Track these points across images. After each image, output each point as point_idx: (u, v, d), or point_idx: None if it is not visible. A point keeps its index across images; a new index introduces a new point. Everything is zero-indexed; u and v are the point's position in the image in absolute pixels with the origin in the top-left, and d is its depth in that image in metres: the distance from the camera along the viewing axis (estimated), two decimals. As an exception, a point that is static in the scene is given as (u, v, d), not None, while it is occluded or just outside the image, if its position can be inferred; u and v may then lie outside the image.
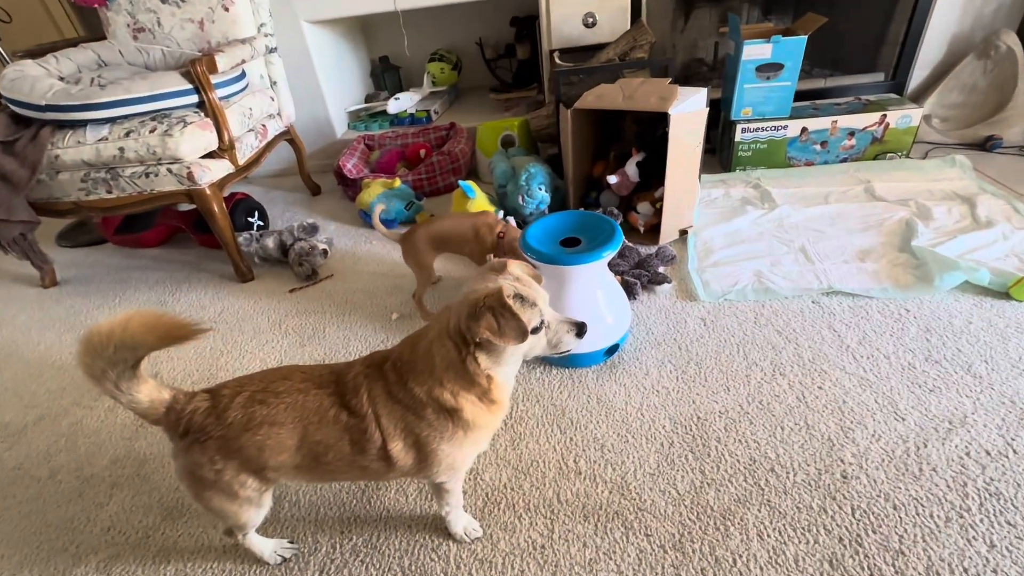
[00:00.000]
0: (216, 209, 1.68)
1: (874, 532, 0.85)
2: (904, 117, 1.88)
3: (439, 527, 0.95)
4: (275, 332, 1.55)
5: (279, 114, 2.14)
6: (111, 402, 1.37)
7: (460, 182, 1.76)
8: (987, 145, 1.95)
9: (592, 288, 1.18)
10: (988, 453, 0.94)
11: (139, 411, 0.75)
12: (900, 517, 0.87)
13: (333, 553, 0.94)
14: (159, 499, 1.09)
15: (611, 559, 0.87)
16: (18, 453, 1.25)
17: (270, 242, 1.83)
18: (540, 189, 1.80)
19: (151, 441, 1.23)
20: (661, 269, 1.51)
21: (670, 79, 1.64)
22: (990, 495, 0.88)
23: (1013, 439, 0.95)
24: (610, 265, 1.51)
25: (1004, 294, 1.26)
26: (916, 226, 1.51)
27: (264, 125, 2.00)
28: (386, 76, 3.00)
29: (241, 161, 1.81)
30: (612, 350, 1.25)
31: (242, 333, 1.56)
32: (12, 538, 1.05)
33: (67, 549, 1.01)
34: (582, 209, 1.62)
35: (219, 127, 1.66)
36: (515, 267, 0.79)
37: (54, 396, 1.42)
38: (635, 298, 1.43)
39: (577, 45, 2.14)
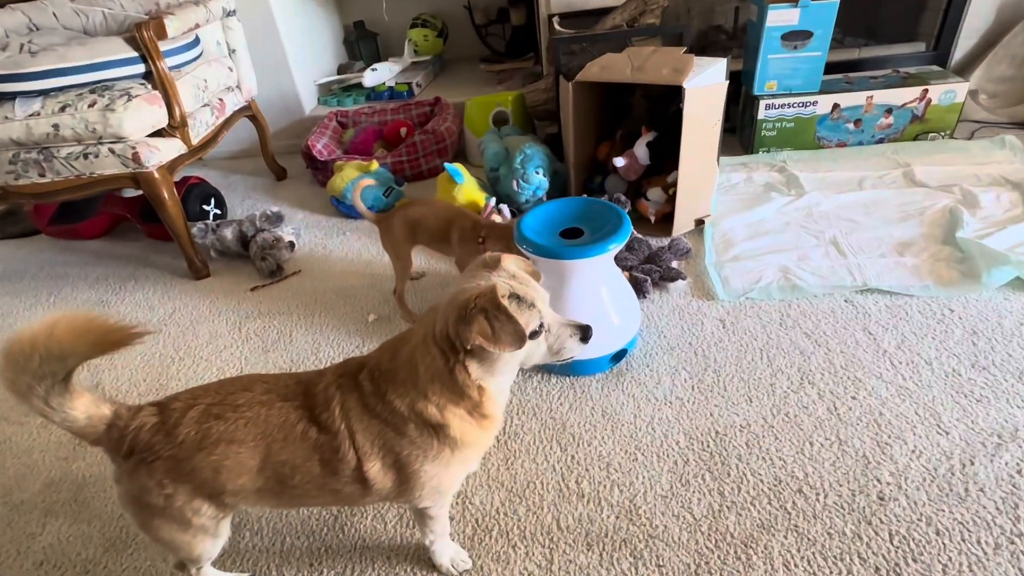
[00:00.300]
0: (166, 195, 1.66)
1: (914, 561, 0.86)
2: (948, 92, 1.89)
3: (423, 558, 0.94)
4: (234, 336, 1.53)
5: (238, 87, 2.13)
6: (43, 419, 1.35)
7: (446, 165, 1.75)
8: (1040, 124, 1.97)
9: (596, 285, 1.18)
10: (1042, 471, 0.95)
11: (75, 430, 0.74)
12: (943, 544, 0.87)
13: (301, 589, 0.94)
14: (100, 528, 1.08)
15: (618, 593, 0.87)
16: (-63, 476, 1.23)
17: (228, 233, 1.82)
18: (537, 173, 1.80)
19: (90, 462, 1.22)
20: (674, 264, 1.51)
21: (685, 48, 1.64)
22: (1044, 518, 0.88)
23: (1070, 455, 0.96)
24: (617, 259, 1.51)
25: (1059, 292, 1.28)
26: (961, 215, 1.52)
27: (221, 99, 1.99)
28: (361, 44, 2.98)
29: (195, 140, 1.79)
30: (619, 356, 1.25)
31: (196, 337, 1.55)
32: (-70, 574, 1.03)
33: (-7, 586, 1.00)
34: (585, 196, 1.62)
35: (169, 101, 1.65)
36: (510, 262, 0.79)
37: (-22, 410, 1.40)
38: (645, 297, 1.43)
39: (580, 9, 2.14)
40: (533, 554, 0.94)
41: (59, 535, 1.07)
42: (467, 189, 1.80)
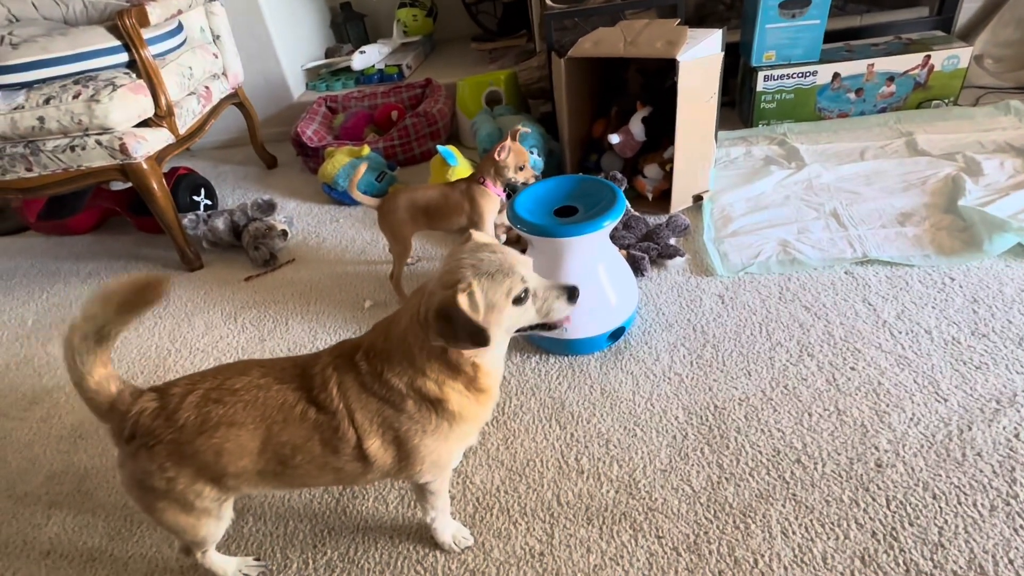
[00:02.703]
0: (155, 187, 1.69)
1: (911, 524, 0.89)
2: (951, 58, 1.89)
3: (424, 537, 0.98)
4: (230, 326, 1.57)
5: (224, 74, 2.14)
6: (44, 413, 1.39)
7: (439, 147, 1.77)
8: (1046, 88, 1.97)
9: (592, 263, 1.20)
10: (1039, 434, 0.98)
11: (85, 397, 0.79)
12: (940, 507, 0.91)
13: (305, 570, 0.97)
14: (104, 517, 1.12)
15: (618, 564, 0.91)
16: (-61, 473, 1.27)
17: (220, 223, 1.84)
18: (532, 153, 1.82)
19: (92, 454, 1.25)
20: (672, 241, 1.54)
21: (678, 20, 1.65)
22: (1040, 480, 0.92)
23: (1067, 418, 0.99)
24: (614, 238, 1.53)
25: (1061, 257, 1.30)
26: (964, 183, 1.54)
27: (207, 87, 2.00)
28: (349, 26, 2.98)
29: (182, 130, 1.81)
30: (617, 334, 1.28)
31: (192, 329, 1.58)
32: (-62, 567, 1.07)
33: (2, 576, 1.04)
34: (580, 174, 1.64)
35: (154, 90, 1.67)
36: (480, 236, 0.82)
37: (-23, 407, 1.44)
38: (643, 275, 1.46)
39: (571, -17, 2.13)
40: (534, 530, 0.97)
41: (64, 525, 1.12)
42: (461, 171, 1.82)
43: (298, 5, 2.77)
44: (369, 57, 2.66)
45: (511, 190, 1.44)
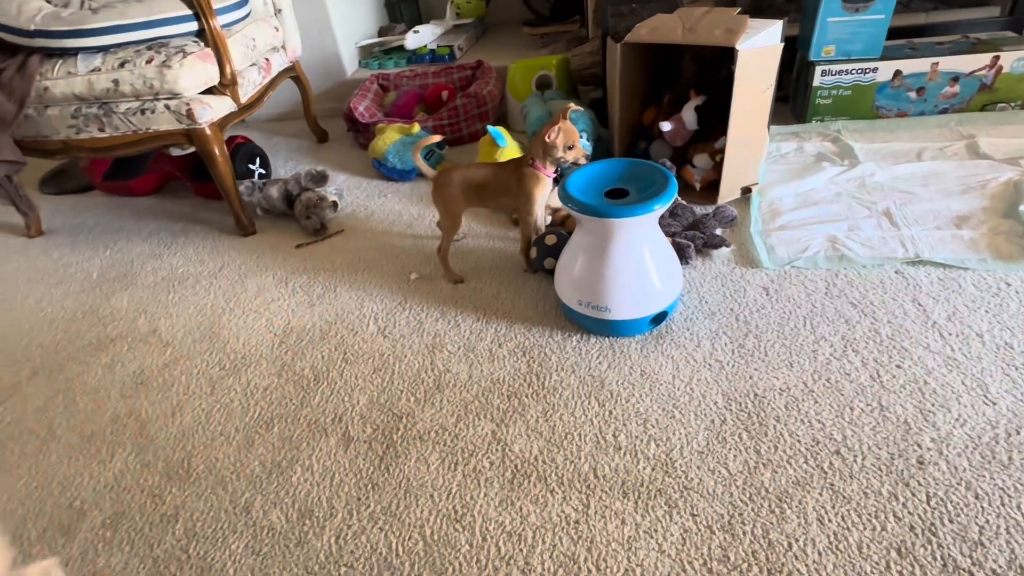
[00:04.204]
0: (217, 152, 1.76)
1: (951, 522, 0.89)
2: (1021, 60, 1.83)
3: (464, 496, 1.02)
4: (281, 290, 1.63)
5: (283, 47, 2.20)
6: (108, 359, 1.47)
7: (489, 127, 1.79)
8: (1122, 95, 1.89)
9: (639, 246, 1.21)
10: (1091, 443, 0.96)
11: None
12: (982, 507, 0.90)
13: (350, 519, 1.02)
14: (164, 459, 1.18)
15: (652, 538, 0.93)
16: (13, 409, 1.36)
17: (274, 191, 1.91)
18: (581, 137, 1.82)
19: (153, 400, 1.33)
20: (718, 231, 1.53)
21: (739, 9, 1.63)
22: (1089, 488, 0.90)
23: (1122, 429, 0.97)
24: (661, 226, 1.54)
25: None
26: (1026, 189, 1.50)
27: (268, 59, 2.07)
28: (403, 6, 3.02)
29: (243, 99, 1.87)
30: (659, 318, 1.29)
31: (245, 290, 1.65)
32: (13, 493, 1.16)
33: (71, 505, 1.12)
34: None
35: (220, 59, 1.73)
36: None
37: (48, 352, 1.53)
38: (688, 263, 1.46)
39: (629, -31, 2.12)
40: (570, 499, 1.00)
41: (127, 463, 1.19)
42: (509, 152, 1.84)
43: (355, -17, 2.81)
44: (422, 37, 2.70)
45: (560, 173, 1.45)
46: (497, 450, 1.10)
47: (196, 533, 1.04)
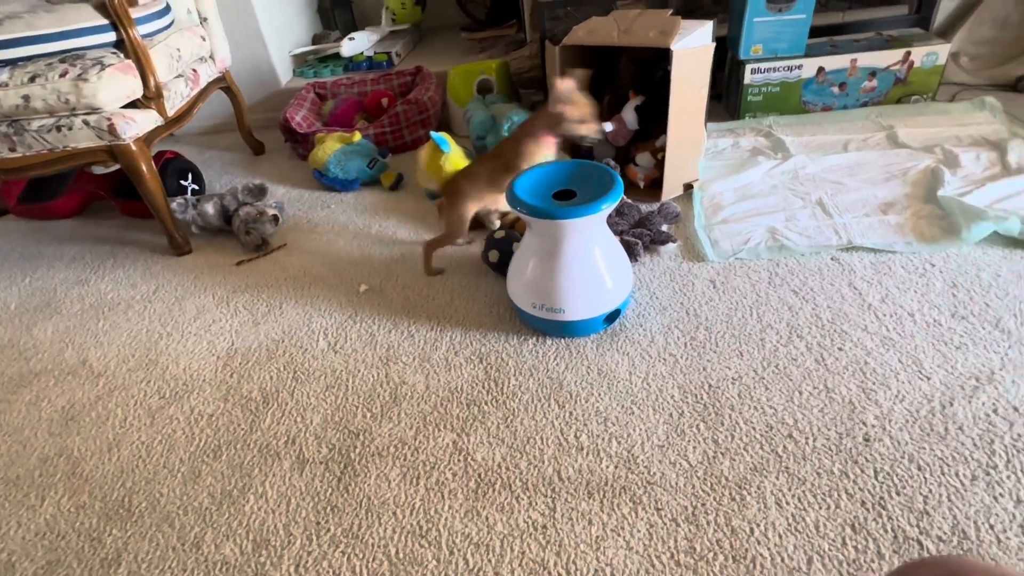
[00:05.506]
0: (145, 168, 1.66)
1: (898, 494, 0.93)
2: (930, 55, 1.95)
3: (428, 511, 0.99)
4: (223, 310, 1.55)
5: (211, 57, 2.11)
6: (32, 395, 1.37)
7: (432, 134, 1.77)
8: (1020, 85, 2.05)
9: (589, 247, 1.22)
10: (1016, 409, 1.03)
11: None
12: (925, 478, 0.95)
13: (309, 545, 0.98)
14: (101, 498, 1.10)
15: (619, 535, 0.93)
16: (-76, 456, 1.24)
17: (210, 208, 1.82)
18: (525, 141, 1.83)
19: (85, 437, 1.24)
20: (664, 228, 1.57)
21: (671, 11, 1.67)
22: (1017, 451, 0.96)
23: (1042, 394, 1.04)
24: (608, 224, 1.55)
25: (1034, 245, 1.36)
26: (942, 175, 1.60)
27: (195, 70, 1.98)
28: (337, 13, 2.95)
29: (171, 112, 1.78)
30: (612, 317, 1.30)
31: (183, 313, 1.57)
32: (-72, 549, 1.05)
33: (-4, 557, 1.03)
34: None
35: (143, 71, 1.64)
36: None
37: (-39, 391, 1.40)
38: (637, 260, 1.48)
39: (563, -27, 2.15)
40: (536, 504, 0.99)
41: (59, 507, 1.10)
42: (454, 158, 1.82)
43: (285, -10, 2.74)
44: (358, 44, 2.64)
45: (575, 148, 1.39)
46: (459, 460, 1.08)
47: (141, 575, 0.97)
